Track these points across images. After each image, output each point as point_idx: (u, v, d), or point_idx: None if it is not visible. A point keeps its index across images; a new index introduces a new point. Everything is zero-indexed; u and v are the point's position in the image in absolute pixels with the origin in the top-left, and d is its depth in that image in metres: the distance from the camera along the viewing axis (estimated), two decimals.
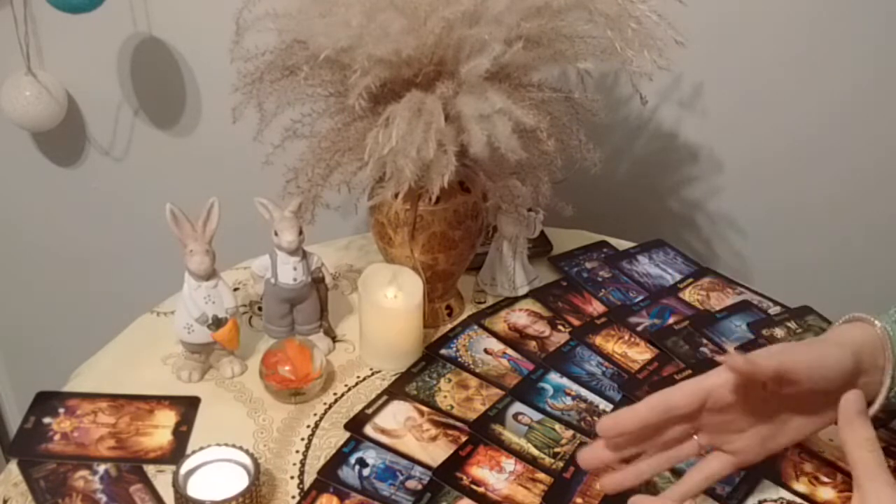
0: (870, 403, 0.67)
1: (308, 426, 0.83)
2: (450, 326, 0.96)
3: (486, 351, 0.93)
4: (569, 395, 0.87)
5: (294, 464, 0.79)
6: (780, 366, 0.61)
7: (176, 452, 0.79)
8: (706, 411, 0.64)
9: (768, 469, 0.79)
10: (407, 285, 0.88)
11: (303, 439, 0.82)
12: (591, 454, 0.65)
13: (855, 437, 0.58)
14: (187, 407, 0.84)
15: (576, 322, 0.98)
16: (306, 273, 0.89)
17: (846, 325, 0.70)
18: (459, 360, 0.91)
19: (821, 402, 0.65)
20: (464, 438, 0.81)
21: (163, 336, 0.92)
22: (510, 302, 1.00)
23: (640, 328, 0.97)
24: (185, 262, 0.84)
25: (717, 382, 0.63)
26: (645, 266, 1.09)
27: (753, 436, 0.66)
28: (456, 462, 0.78)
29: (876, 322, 0.68)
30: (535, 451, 0.80)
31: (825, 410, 0.65)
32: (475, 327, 0.96)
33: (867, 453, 0.56)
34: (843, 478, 0.79)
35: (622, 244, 1.14)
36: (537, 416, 0.84)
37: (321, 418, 0.84)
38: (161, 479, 0.76)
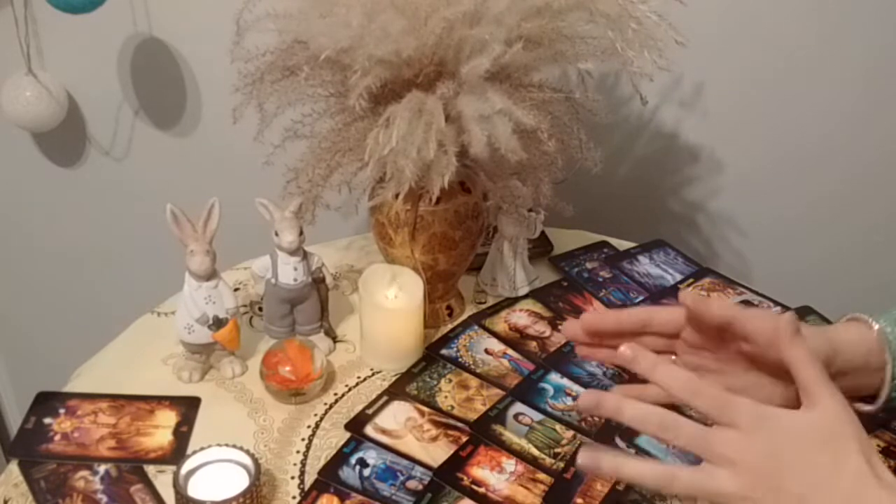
0: (868, 399, 0.69)
1: (308, 426, 0.83)
2: (450, 327, 0.96)
3: (486, 351, 0.93)
4: (569, 395, 0.87)
5: (294, 464, 0.79)
6: (730, 319, 0.65)
7: (176, 453, 0.79)
8: (681, 344, 0.69)
9: None
10: (407, 286, 0.88)
11: (303, 439, 0.82)
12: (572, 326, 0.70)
13: (797, 353, 0.60)
14: (188, 407, 0.84)
15: None
16: (307, 273, 0.89)
17: (841, 325, 0.71)
18: (460, 360, 0.91)
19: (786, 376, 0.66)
20: (464, 439, 0.81)
21: (163, 336, 0.92)
22: (510, 302, 1.00)
23: None
24: (186, 263, 0.84)
25: (663, 313, 0.69)
26: (645, 266, 1.09)
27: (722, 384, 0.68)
28: (456, 462, 0.78)
29: (874, 324, 0.69)
30: (536, 452, 0.80)
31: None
32: (476, 327, 0.96)
33: (811, 367, 0.59)
34: None
35: (622, 244, 1.14)
36: (538, 416, 0.84)
37: (322, 418, 0.84)
38: (161, 479, 0.76)
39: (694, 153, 1.29)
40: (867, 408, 0.70)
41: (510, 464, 0.79)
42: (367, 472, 0.77)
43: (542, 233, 1.08)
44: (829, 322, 1.00)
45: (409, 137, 0.75)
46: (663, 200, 1.34)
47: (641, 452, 0.80)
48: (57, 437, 0.80)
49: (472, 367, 0.90)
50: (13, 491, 0.75)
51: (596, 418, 0.84)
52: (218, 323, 0.85)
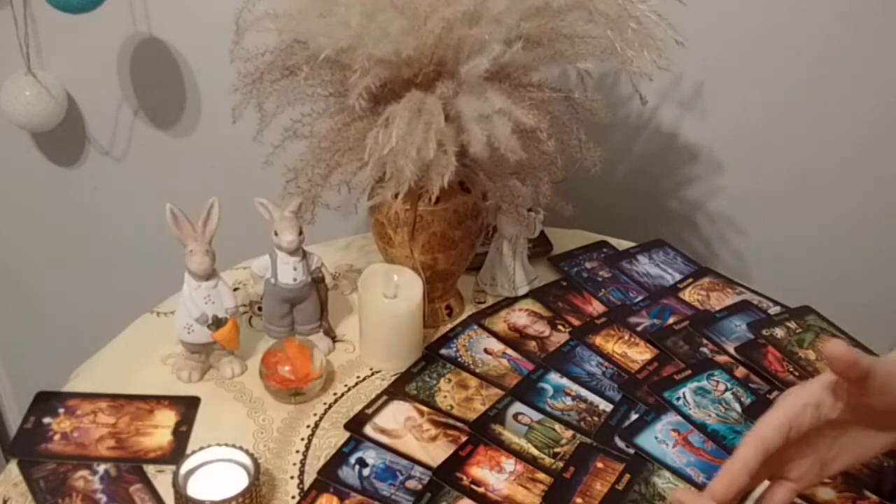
0: None
1: (308, 426, 0.83)
2: (450, 326, 0.96)
3: (485, 351, 0.93)
4: (569, 395, 0.87)
5: (294, 464, 0.79)
6: (870, 366, 0.59)
7: (176, 452, 0.79)
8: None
9: None
10: (407, 285, 0.88)
11: (303, 439, 0.82)
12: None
13: None
14: (187, 407, 0.84)
15: (576, 322, 0.98)
16: (306, 273, 0.89)
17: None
18: (459, 360, 0.91)
19: (887, 422, 0.63)
20: (464, 438, 0.81)
21: (163, 336, 0.92)
22: (510, 302, 1.00)
23: (639, 328, 0.97)
24: (185, 262, 0.84)
25: (800, 409, 0.62)
26: (645, 266, 1.09)
27: (815, 461, 0.64)
28: (456, 462, 0.78)
29: None
30: (535, 452, 0.80)
31: (887, 430, 0.64)
32: (475, 327, 0.96)
33: None
34: (843, 478, 0.78)
35: (622, 244, 1.14)
36: (537, 416, 0.84)
37: (321, 418, 0.84)
38: (161, 479, 0.76)
39: (694, 153, 1.29)
40: None
41: (509, 463, 0.79)
42: (366, 471, 0.77)
43: (542, 232, 1.08)
44: (828, 322, 1.00)
45: (408, 137, 0.75)
46: (663, 200, 1.34)
47: (641, 452, 0.80)
48: (56, 437, 0.80)
49: (472, 366, 0.90)
50: (13, 491, 0.75)
51: (595, 418, 0.84)
52: (217, 322, 0.85)
